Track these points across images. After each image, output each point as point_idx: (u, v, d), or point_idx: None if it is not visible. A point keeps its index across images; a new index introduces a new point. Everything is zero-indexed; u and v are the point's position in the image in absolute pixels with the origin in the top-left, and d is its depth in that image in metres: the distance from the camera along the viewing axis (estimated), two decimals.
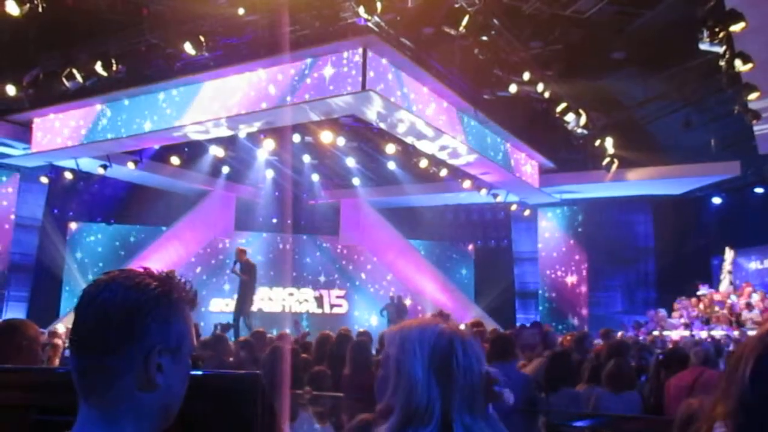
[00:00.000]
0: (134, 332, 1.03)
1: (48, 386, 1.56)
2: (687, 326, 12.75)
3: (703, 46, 7.83)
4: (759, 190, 14.20)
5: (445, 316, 8.65)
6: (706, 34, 7.63)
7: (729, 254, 14.34)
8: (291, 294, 16.42)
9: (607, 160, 12.56)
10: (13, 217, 13.25)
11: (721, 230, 14.68)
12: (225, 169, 15.11)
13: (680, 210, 14.93)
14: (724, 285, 14.09)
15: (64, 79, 9.43)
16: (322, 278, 16.81)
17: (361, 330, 9.32)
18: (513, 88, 9.99)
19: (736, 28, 7.34)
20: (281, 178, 16.00)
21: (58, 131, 11.35)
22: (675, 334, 11.87)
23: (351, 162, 14.67)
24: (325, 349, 5.95)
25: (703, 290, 13.87)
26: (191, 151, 13.39)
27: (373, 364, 4.79)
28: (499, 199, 14.57)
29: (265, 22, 8.68)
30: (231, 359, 5.87)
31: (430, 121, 9.94)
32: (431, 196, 15.83)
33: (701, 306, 13.42)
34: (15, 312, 12.55)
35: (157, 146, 12.39)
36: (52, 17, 8.28)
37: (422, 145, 11.25)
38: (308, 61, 8.96)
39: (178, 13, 8.81)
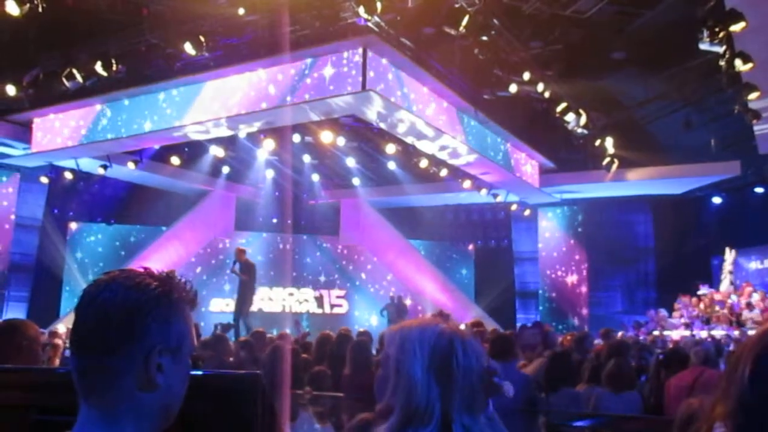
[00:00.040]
0: (134, 332, 1.03)
1: (48, 386, 1.57)
2: (687, 326, 12.75)
3: (703, 46, 7.83)
4: (759, 190, 14.20)
5: (445, 316, 8.65)
6: (706, 34, 7.63)
7: (730, 255, 14.35)
8: (291, 294, 16.42)
9: (607, 160, 12.56)
10: (13, 217, 13.25)
11: (721, 230, 14.67)
12: (225, 169, 15.11)
13: (680, 210, 14.93)
14: (725, 285, 14.10)
15: (64, 79, 9.43)
16: (322, 278, 16.81)
17: (362, 330, 9.32)
18: (513, 88, 9.99)
19: (736, 28, 7.34)
20: (281, 178, 16.00)
21: (58, 131, 11.35)
22: (675, 334, 11.87)
23: (351, 162, 14.67)
24: (325, 349, 5.95)
25: (703, 290, 13.88)
26: (191, 151, 13.39)
27: (373, 364, 4.79)
28: (499, 199, 14.57)
29: (265, 22, 8.68)
30: (231, 359, 5.87)
31: (430, 121, 9.94)
32: (431, 196, 15.83)
33: (701, 306, 13.42)
34: (15, 312, 12.54)
35: (157, 146, 12.39)
36: (52, 17, 8.28)
37: (422, 145, 11.25)
38: (308, 61, 8.96)
39: (178, 13, 8.81)
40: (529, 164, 13.74)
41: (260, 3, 8.47)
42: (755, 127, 10.79)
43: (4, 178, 13.23)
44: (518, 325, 13.49)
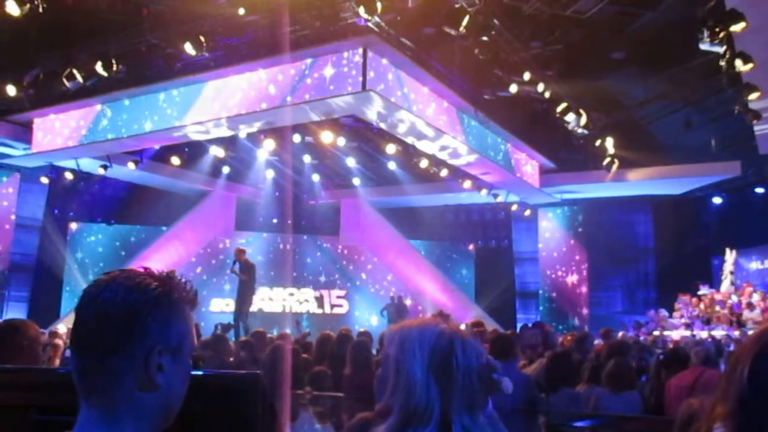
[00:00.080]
0: (134, 332, 1.03)
1: (48, 386, 1.57)
2: (688, 326, 12.75)
3: (704, 46, 7.83)
4: (759, 190, 14.20)
5: (445, 317, 8.65)
6: (706, 34, 7.63)
7: (730, 255, 14.35)
8: (291, 294, 16.42)
9: (608, 160, 12.56)
10: (13, 217, 13.26)
11: (721, 230, 14.67)
12: (225, 169, 15.11)
13: (680, 210, 14.92)
14: (725, 285, 14.11)
15: (64, 79, 9.43)
16: (322, 278, 16.81)
17: (362, 330, 9.32)
18: (513, 88, 9.99)
19: (737, 28, 7.34)
20: (281, 178, 16.00)
21: (59, 131, 11.35)
22: (675, 334, 11.87)
23: (351, 162, 14.67)
24: (325, 349, 5.95)
25: (703, 290, 13.88)
26: (191, 151, 13.40)
27: (373, 364, 4.79)
28: (500, 199, 14.57)
29: (265, 22, 8.68)
30: (231, 359, 5.87)
31: (430, 121, 9.94)
32: (431, 196, 15.83)
33: (702, 306, 13.43)
34: (15, 312, 12.55)
35: (157, 146, 12.39)
36: (52, 17, 8.28)
37: (422, 146, 11.25)
38: (308, 61, 8.96)
39: (178, 13, 8.81)
40: (529, 164, 13.74)
41: (260, 3, 8.47)
42: (755, 128, 10.79)
43: (5, 179, 13.24)
44: (518, 325, 13.51)
